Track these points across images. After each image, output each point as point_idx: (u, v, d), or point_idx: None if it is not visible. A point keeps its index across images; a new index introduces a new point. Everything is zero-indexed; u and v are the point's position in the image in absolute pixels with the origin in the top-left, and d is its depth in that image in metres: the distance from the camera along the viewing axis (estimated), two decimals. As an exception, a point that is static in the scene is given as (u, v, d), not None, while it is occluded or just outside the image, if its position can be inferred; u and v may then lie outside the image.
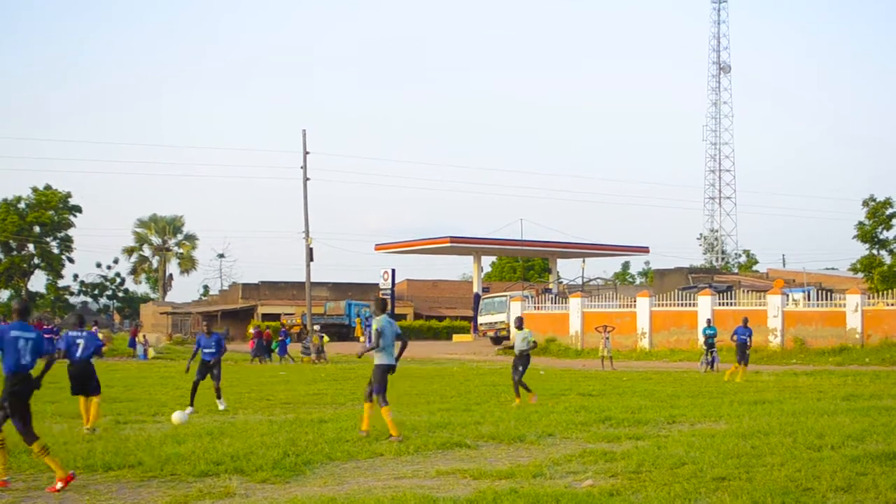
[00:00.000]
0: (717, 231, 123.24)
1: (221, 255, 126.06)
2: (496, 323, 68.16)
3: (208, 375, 24.17)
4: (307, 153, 78.76)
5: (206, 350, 23.95)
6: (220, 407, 23.78)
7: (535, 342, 26.97)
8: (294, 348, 59.17)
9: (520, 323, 26.91)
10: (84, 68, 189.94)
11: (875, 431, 17.54)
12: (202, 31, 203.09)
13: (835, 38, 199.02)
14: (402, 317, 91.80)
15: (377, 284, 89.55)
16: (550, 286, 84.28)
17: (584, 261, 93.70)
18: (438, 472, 13.97)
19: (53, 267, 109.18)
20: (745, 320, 37.72)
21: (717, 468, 13.47)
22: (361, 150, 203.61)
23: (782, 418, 20.42)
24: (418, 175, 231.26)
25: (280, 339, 58.06)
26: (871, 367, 43.66)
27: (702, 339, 46.40)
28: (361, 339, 78.52)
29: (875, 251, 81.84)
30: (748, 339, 36.59)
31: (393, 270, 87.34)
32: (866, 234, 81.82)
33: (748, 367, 36.23)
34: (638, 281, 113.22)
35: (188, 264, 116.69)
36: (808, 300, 59.61)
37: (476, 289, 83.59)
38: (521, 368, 25.27)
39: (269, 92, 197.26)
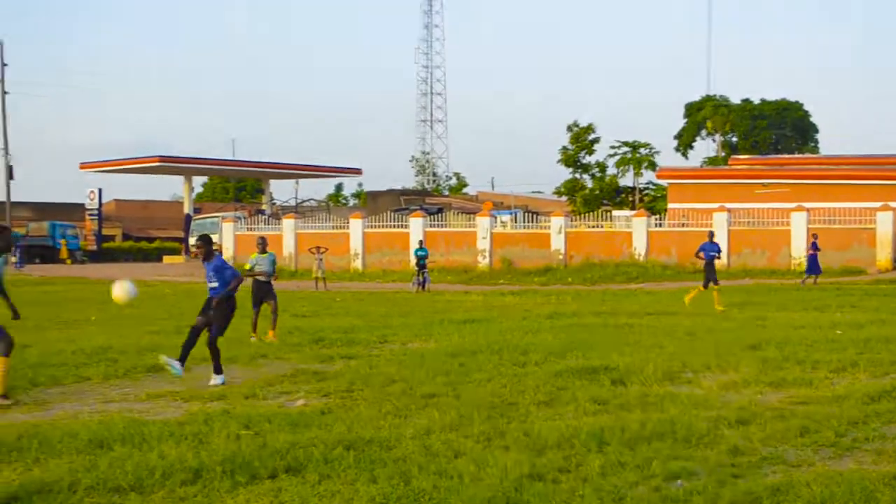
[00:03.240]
0: (428, 154, 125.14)
1: None
2: (208, 244, 67.28)
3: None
4: (5, 65, 75.69)
5: (211, 284, 15.56)
6: (214, 382, 14.81)
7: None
8: None
9: (264, 245, 23.23)
10: None
11: (575, 348, 18.19)
12: None
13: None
14: (111, 238, 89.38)
15: (83, 204, 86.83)
16: (264, 207, 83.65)
17: (297, 182, 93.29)
18: (149, 395, 13.76)
19: None
20: (712, 234, 33.87)
21: (427, 385, 13.71)
22: (65, 64, 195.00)
23: (490, 337, 20.90)
24: (127, 91, 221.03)
25: None
26: (573, 287, 45.22)
27: (413, 260, 47.12)
28: (68, 261, 76.27)
29: (578, 175, 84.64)
30: (717, 256, 32.02)
31: (100, 190, 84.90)
32: (570, 159, 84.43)
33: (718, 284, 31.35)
34: (351, 203, 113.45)
35: None
36: (516, 222, 61.16)
37: (187, 209, 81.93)
38: (273, 293, 22.05)
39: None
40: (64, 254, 78.29)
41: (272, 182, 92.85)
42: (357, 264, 59.05)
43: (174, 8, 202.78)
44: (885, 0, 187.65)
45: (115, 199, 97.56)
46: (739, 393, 13.15)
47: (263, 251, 22.85)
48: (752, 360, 16.37)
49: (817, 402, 12.15)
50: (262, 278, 21.94)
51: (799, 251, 51.47)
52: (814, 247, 43.50)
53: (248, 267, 22.04)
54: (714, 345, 18.62)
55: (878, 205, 53.03)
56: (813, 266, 42.44)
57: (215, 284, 15.36)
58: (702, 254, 31.75)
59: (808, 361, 15.96)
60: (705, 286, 30.79)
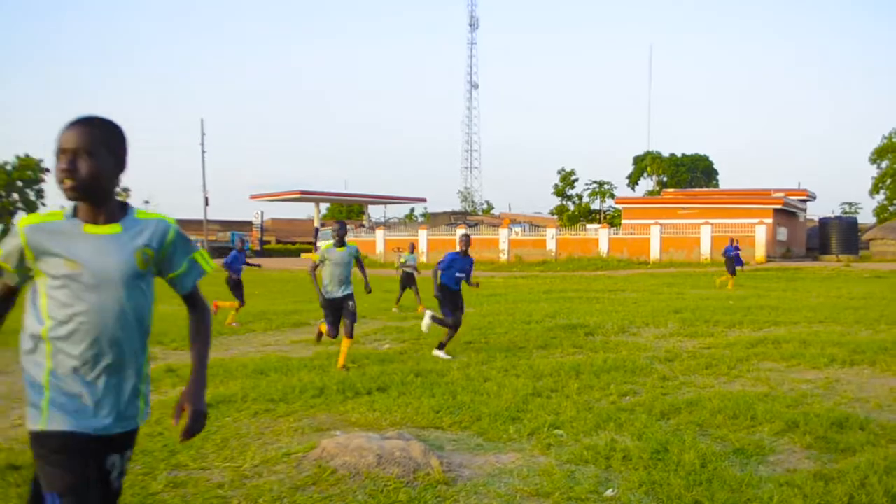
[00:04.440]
0: (469, 188, 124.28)
1: (147, 202, 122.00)
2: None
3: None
4: (204, 134, 76.24)
5: (459, 275, 11.78)
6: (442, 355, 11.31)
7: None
8: None
9: (412, 248, 22.75)
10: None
11: (562, 312, 18.16)
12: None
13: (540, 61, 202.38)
14: (269, 242, 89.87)
15: (251, 221, 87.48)
16: (364, 222, 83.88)
17: (385, 206, 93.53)
18: (292, 342, 13.85)
19: (31, 209, 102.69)
20: (732, 240, 32.29)
21: (467, 336, 13.73)
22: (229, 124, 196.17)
23: (507, 305, 20.91)
24: (270, 148, 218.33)
25: None
26: (560, 273, 45.11)
27: (406, 255, 47.05)
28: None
29: (564, 202, 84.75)
30: (735, 253, 30.57)
31: (262, 212, 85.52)
32: (559, 191, 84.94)
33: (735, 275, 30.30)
34: (419, 219, 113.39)
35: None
36: (524, 232, 61.10)
37: (316, 224, 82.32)
38: (415, 279, 20.96)
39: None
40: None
41: (370, 206, 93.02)
42: (424, 259, 59.17)
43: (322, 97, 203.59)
44: (763, 80, 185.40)
45: (272, 218, 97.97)
46: (667, 341, 13.05)
47: (412, 252, 22.20)
48: (675, 319, 16.26)
49: (716, 347, 12.04)
50: (409, 270, 21.13)
51: (706, 251, 51.03)
52: (737, 248, 42.73)
53: (402, 261, 21.53)
54: (651, 310, 18.49)
55: (756, 220, 52.52)
56: (738, 261, 41.68)
57: (462, 275, 11.85)
58: (726, 253, 30.76)
59: (711, 321, 15.83)
60: (732, 273, 29.91)
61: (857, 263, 49.30)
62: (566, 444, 6.51)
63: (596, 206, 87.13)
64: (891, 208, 79.46)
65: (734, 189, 69.33)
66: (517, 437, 6.77)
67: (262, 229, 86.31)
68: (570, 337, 13.45)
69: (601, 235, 55.60)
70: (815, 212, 70.13)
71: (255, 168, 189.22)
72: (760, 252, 51.11)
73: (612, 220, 74.32)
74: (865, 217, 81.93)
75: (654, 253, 52.79)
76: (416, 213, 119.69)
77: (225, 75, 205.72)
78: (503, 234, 58.19)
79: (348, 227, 68.25)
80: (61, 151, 2.74)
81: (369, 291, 11.66)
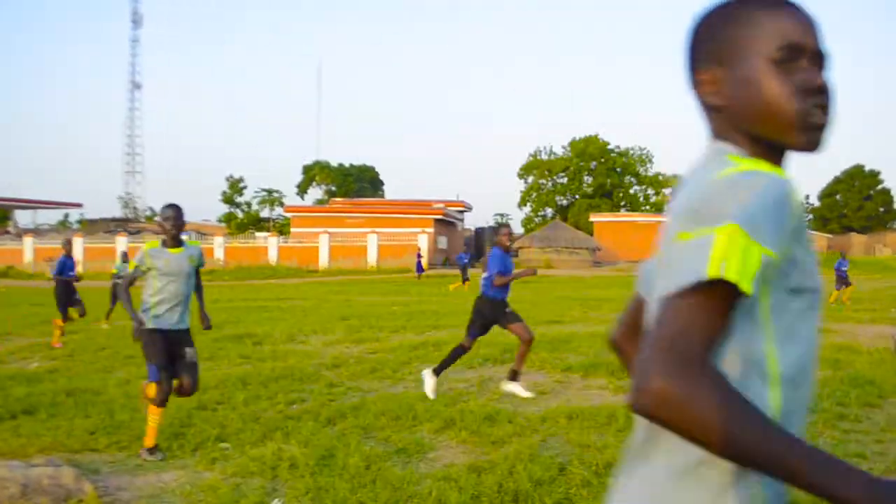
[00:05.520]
0: (131, 194, 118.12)
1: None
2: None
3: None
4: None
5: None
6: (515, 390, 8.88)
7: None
8: None
9: (124, 256, 21.04)
10: None
11: (230, 321, 17.76)
12: None
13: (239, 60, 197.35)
14: None
15: None
16: (10, 229, 76.18)
17: (35, 212, 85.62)
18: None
19: None
20: (465, 249, 32.02)
21: (128, 350, 12.95)
22: None
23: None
24: None
25: None
26: (228, 283, 44.22)
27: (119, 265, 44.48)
28: None
29: (233, 209, 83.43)
30: (467, 262, 31.19)
31: None
32: (228, 199, 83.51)
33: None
34: (75, 226, 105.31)
35: None
36: (191, 240, 59.23)
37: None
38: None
39: None
40: None
41: (17, 212, 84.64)
42: (79, 269, 55.03)
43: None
44: (425, 95, 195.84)
45: None
46: (334, 347, 13.31)
47: (125, 261, 20.01)
48: (343, 326, 16.62)
49: (382, 352, 12.49)
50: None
51: (373, 259, 52.76)
52: (419, 256, 44.59)
53: (115, 271, 19.43)
54: (319, 317, 18.75)
55: (419, 230, 55.38)
56: (419, 268, 43.42)
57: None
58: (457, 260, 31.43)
59: (376, 326, 16.40)
60: (466, 280, 30.37)
61: (507, 270, 53.76)
62: (232, 457, 6.39)
63: (266, 214, 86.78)
64: (536, 219, 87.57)
65: (399, 199, 72.55)
66: (181, 453, 6.53)
67: None
68: (237, 347, 13.22)
69: (270, 244, 55.49)
70: (471, 222, 75.49)
71: None
72: (425, 259, 53.97)
73: (282, 228, 74.36)
74: (515, 227, 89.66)
75: (324, 261, 53.64)
76: (72, 219, 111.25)
77: None
78: (168, 242, 55.98)
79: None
80: (801, 51, 1.29)
81: (209, 327, 7.33)
